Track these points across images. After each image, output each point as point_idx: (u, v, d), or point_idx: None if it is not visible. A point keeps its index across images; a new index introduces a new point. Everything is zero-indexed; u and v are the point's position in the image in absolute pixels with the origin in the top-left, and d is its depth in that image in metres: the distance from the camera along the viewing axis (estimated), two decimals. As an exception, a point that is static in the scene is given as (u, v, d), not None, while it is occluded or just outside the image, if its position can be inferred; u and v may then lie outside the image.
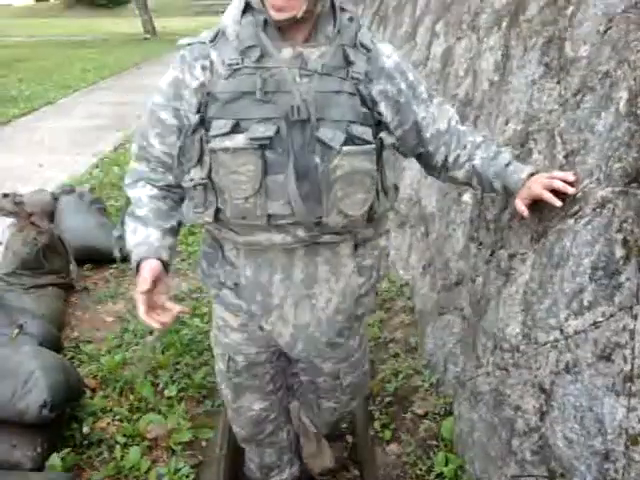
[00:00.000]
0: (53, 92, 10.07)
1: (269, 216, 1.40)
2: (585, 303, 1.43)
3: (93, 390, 2.57)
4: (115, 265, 3.74)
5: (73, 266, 3.43)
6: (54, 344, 2.67)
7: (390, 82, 1.48)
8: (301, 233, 1.45)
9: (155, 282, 1.48)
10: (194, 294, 3.38)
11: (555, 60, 1.83)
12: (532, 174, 1.58)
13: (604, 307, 1.37)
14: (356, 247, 1.58)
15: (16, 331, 2.51)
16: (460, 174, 1.63)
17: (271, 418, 1.92)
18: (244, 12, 1.41)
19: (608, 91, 1.51)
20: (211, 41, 1.42)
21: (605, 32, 1.59)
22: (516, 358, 1.71)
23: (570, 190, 1.51)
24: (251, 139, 1.34)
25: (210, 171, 1.40)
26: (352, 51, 1.41)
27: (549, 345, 1.55)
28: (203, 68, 1.42)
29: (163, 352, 2.80)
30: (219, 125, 1.37)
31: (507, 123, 2.06)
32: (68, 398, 2.25)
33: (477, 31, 2.66)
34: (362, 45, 1.43)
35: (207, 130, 1.38)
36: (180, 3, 36.64)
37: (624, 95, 1.44)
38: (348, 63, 1.40)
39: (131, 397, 2.53)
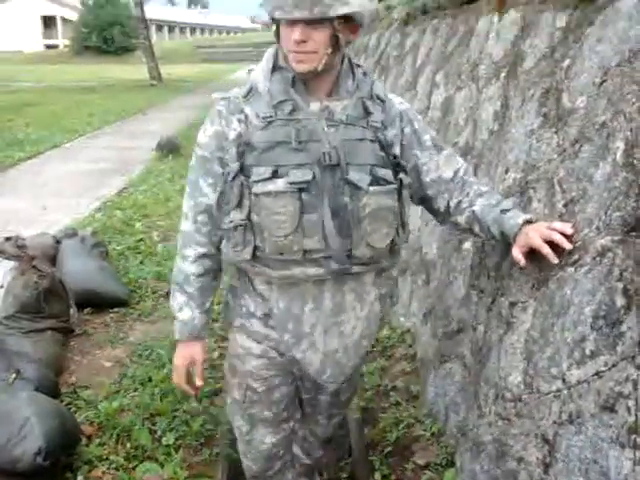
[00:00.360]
0: (59, 136, 10.24)
1: (305, 251, 1.55)
2: (587, 352, 1.42)
3: (89, 437, 2.53)
4: (116, 309, 3.73)
5: (73, 310, 3.42)
6: (51, 389, 2.64)
7: (399, 126, 1.65)
8: (333, 265, 1.57)
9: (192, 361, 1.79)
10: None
11: (553, 111, 1.87)
12: (529, 221, 1.61)
13: (606, 356, 1.36)
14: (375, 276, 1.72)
15: (13, 376, 2.49)
16: (461, 219, 1.72)
17: (280, 454, 1.94)
18: (273, 71, 1.58)
19: (605, 141, 1.54)
20: (244, 97, 1.59)
21: (601, 84, 1.63)
22: (518, 408, 1.68)
23: (567, 245, 1.54)
24: (290, 183, 1.50)
25: (249, 212, 1.54)
26: (370, 103, 1.59)
27: (552, 395, 1.53)
28: (239, 121, 1.58)
29: (161, 399, 2.77)
30: (259, 172, 1.52)
31: (507, 172, 2.08)
32: (64, 445, 2.22)
33: (476, 81, 2.71)
34: (377, 97, 1.61)
35: (247, 176, 1.53)
36: (186, 50, 37.55)
37: (621, 146, 1.47)
38: (367, 113, 1.58)
39: (128, 445, 2.49)
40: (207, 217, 1.67)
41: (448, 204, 1.72)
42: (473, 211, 1.68)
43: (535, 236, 1.57)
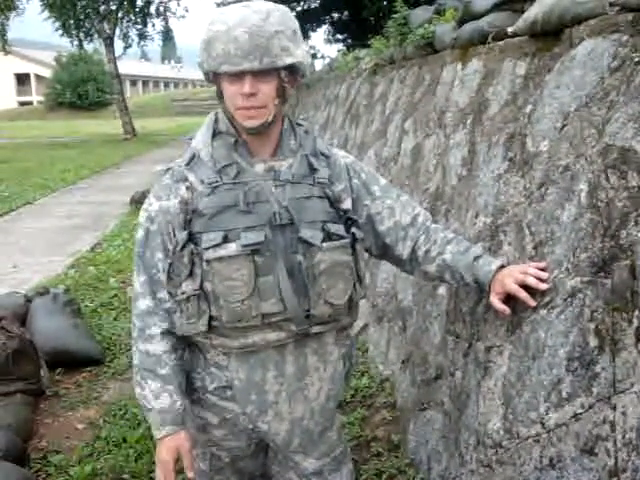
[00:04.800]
0: (32, 192, 10.16)
1: (263, 315, 1.51)
2: (564, 395, 1.41)
3: (60, 504, 2.42)
4: (89, 368, 3.63)
5: (44, 371, 3.32)
6: (19, 457, 2.54)
7: (346, 180, 1.66)
8: (293, 327, 1.54)
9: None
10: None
11: (518, 155, 1.90)
12: (502, 266, 1.61)
13: (583, 398, 1.35)
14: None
15: (-20, 443, 2.39)
16: (432, 268, 1.70)
17: None
18: (213, 136, 1.58)
19: (569, 184, 1.56)
20: (187, 164, 1.57)
21: (562, 129, 1.67)
22: (499, 454, 1.66)
23: (542, 286, 1.54)
24: (243, 246, 1.48)
25: (202, 281, 1.50)
26: (314, 160, 1.60)
27: (531, 439, 1.51)
28: (187, 188, 1.55)
29: (137, 460, 2.67)
30: (210, 238, 1.49)
31: (477, 216, 2.10)
32: (32, 516, 2.12)
33: (444, 128, 2.76)
34: (321, 153, 1.62)
35: (196, 244, 1.50)
36: (161, 104, 37.94)
37: (584, 187, 1.49)
38: (313, 170, 1.58)
39: (101, 511, 2.39)
40: (166, 293, 1.58)
41: (413, 252, 1.70)
42: (444, 259, 1.66)
43: (510, 282, 1.57)
